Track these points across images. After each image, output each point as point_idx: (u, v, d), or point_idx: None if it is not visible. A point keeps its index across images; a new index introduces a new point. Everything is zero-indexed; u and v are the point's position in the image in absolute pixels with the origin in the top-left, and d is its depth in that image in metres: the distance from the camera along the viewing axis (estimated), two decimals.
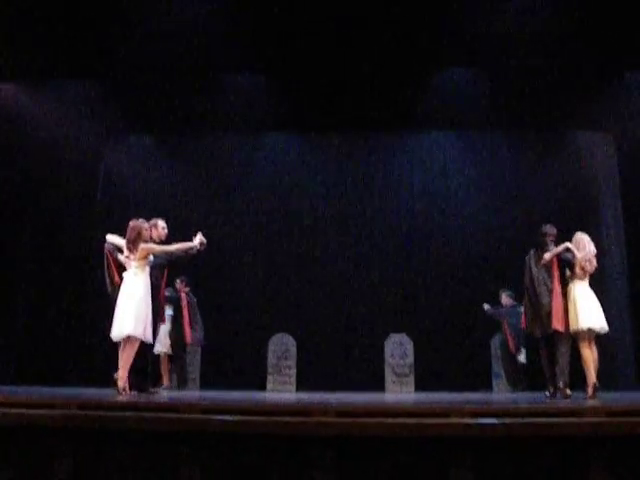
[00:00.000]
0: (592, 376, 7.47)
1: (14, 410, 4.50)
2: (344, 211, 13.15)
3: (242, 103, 11.95)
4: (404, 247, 13.18)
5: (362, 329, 12.51)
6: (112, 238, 8.11)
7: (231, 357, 12.51)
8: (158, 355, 10.21)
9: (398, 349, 11.66)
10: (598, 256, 8.22)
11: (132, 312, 7.07)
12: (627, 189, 11.92)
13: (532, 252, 8.36)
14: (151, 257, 7.68)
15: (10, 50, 10.26)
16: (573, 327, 7.62)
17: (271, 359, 11.64)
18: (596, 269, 8.23)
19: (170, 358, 10.85)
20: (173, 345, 10.82)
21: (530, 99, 11.39)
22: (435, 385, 11.25)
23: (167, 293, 10.29)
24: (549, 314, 7.62)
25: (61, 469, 4.23)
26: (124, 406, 4.73)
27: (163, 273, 8.45)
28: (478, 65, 11.34)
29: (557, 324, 7.55)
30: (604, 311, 8.07)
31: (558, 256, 8.03)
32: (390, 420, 4.22)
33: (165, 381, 10.61)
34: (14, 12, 9.82)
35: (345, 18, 9.94)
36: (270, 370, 11.57)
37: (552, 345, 7.74)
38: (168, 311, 10.21)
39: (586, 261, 8.02)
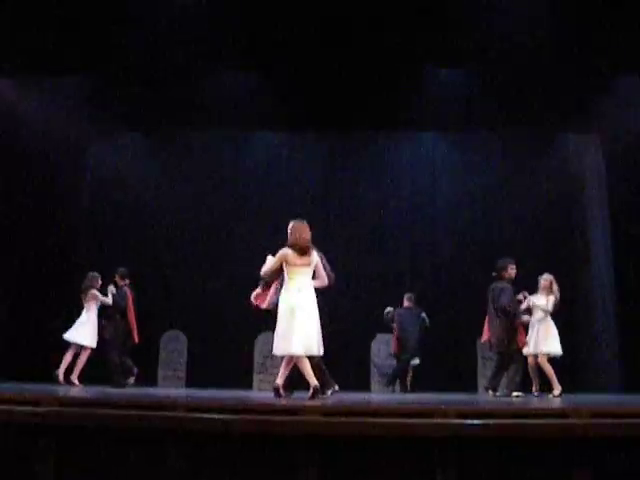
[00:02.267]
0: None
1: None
2: (332, 210, 13.15)
3: (231, 100, 11.91)
4: (391, 246, 13.19)
5: (349, 328, 12.49)
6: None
7: (217, 356, 12.49)
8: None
9: (384, 349, 11.68)
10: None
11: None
12: (614, 190, 11.98)
13: (495, 286, 9.19)
14: None
15: None
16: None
17: (257, 358, 11.63)
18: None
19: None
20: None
21: (519, 101, 11.41)
22: (420, 385, 11.27)
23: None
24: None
25: (45, 466, 4.20)
26: (107, 403, 4.71)
27: None
28: (467, 66, 11.36)
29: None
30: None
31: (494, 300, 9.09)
32: (375, 420, 4.22)
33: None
34: (2, 8, 9.76)
35: (335, 17, 9.92)
36: (257, 369, 11.56)
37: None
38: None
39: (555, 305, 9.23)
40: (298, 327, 6.42)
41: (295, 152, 13.78)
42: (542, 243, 12.78)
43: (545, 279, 9.30)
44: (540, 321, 9.15)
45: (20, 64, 10.75)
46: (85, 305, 10.12)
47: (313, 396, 6.33)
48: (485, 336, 9.34)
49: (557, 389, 8.98)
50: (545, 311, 9.17)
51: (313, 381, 6.42)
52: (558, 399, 8.36)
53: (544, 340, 9.08)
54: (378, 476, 4.04)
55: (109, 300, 10.13)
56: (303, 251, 6.55)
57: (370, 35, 10.13)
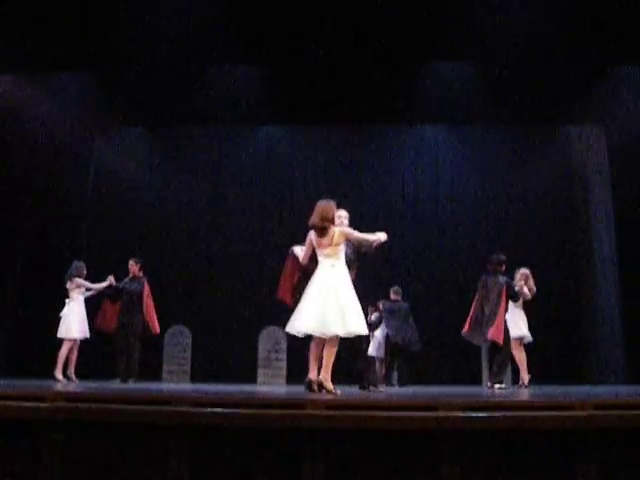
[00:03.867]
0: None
1: (3, 403, 4.49)
2: (336, 204, 13.14)
3: (234, 95, 11.93)
4: (394, 239, 13.18)
5: None
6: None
7: (222, 350, 12.52)
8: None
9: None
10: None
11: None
12: (617, 182, 11.96)
13: (484, 276, 9.24)
14: None
15: (0, 42, 10.21)
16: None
17: (262, 352, 11.65)
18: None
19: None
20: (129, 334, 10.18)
21: (521, 93, 11.41)
22: (423, 378, 11.28)
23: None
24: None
25: (50, 462, 4.22)
26: (113, 399, 4.73)
27: None
28: (469, 59, 11.36)
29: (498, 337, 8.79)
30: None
31: (508, 288, 9.02)
32: (379, 413, 4.23)
33: None
34: (3, 4, 9.77)
35: (337, 11, 9.92)
36: (261, 363, 11.58)
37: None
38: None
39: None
40: (313, 307, 6.21)
41: (297, 147, 13.79)
42: (545, 236, 12.78)
43: (522, 273, 9.38)
44: (511, 311, 9.19)
45: (23, 61, 10.78)
46: (70, 294, 9.78)
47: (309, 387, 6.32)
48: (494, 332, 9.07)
49: (526, 378, 9.14)
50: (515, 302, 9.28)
51: (312, 372, 6.35)
52: (526, 390, 8.53)
53: (514, 325, 9.12)
54: (382, 469, 4.05)
55: (98, 286, 10.01)
56: (321, 231, 6.38)
57: (373, 29, 10.12)
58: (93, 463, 4.23)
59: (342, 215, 7.01)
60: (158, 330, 10.37)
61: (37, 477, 4.22)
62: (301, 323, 6.27)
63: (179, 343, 11.90)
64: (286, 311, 12.05)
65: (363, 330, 6.35)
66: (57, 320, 9.74)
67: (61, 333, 9.60)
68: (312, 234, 6.44)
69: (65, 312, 9.73)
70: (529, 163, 13.00)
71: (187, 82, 11.71)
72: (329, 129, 13.41)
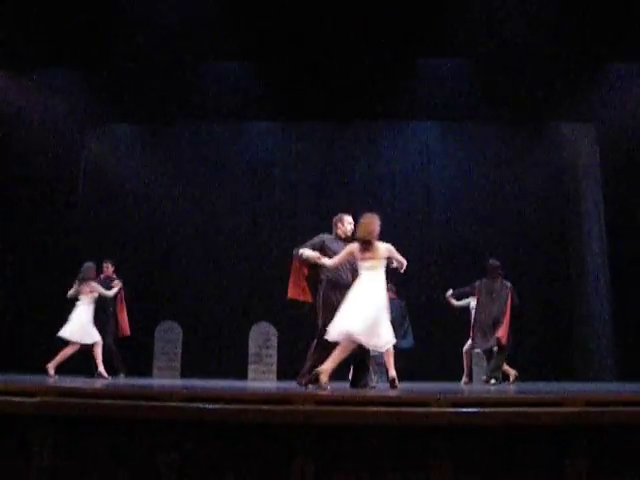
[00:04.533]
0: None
1: None
2: (328, 200, 13.13)
3: (224, 91, 11.91)
4: (386, 236, 13.17)
5: None
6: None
7: (212, 346, 12.51)
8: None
9: None
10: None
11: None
12: (608, 179, 11.99)
13: (484, 281, 9.53)
14: None
15: None
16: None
17: (252, 348, 11.63)
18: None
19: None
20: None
21: (512, 90, 11.43)
22: (415, 375, 11.29)
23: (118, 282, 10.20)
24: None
25: (40, 457, 4.21)
26: (103, 394, 4.72)
27: None
28: (461, 55, 11.36)
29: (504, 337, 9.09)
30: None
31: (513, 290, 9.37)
32: (370, 408, 4.23)
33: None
34: None
35: (329, 6, 9.91)
36: (251, 359, 11.56)
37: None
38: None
39: None
40: (350, 312, 6.36)
41: (289, 144, 13.75)
42: (536, 233, 12.81)
43: None
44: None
45: (13, 57, 10.73)
46: (81, 297, 9.68)
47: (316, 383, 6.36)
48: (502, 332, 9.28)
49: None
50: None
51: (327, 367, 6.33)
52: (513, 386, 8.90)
53: None
54: (372, 465, 4.05)
55: (111, 293, 10.02)
56: (366, 245, 6.55)
57: (365, 26, 10.12)
58: (83, 459, 4.21)
59: (349, 220, 7.24)
60: (128, 332, 10.50)
61: (27, 473, 4.20)
62: (343, 326, 6.35)
63: (169, 339, 11.87)
64: (277, 306, 12.13)
65: (383, 348, 6.66)
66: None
67: (74, 336, 9.50)
68: (355, 246, 6.61)
69: (77, 315, 9.62)
70: (520, 160, 13.00)
71: (179, 79, 11.67)
72: (321, 125, 13.38)
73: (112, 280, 10.32)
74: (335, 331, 6.34)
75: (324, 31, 10.23)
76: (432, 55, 11.41)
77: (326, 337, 6.43)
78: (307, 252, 6.94)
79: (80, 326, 9.53)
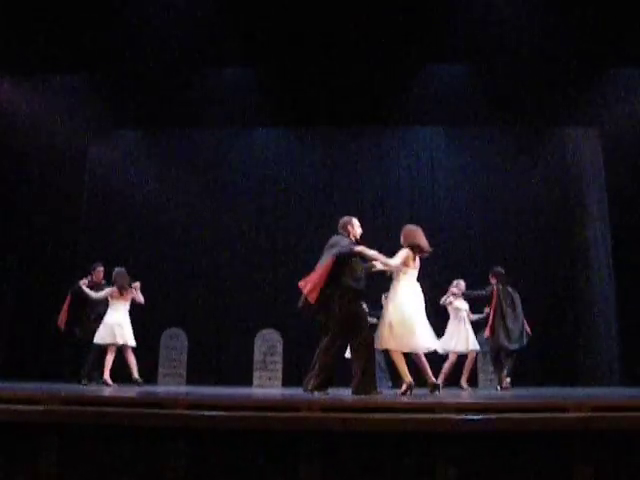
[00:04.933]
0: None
1: None
2: (331, 205, 13.13)
3: (228, 96, 11.96)
4: (391, 242, 13.16)
5: None
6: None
7: (217, 353, 12.51)
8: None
9: None
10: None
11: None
12: (613, 183, 11.99)
13: (500, 287, 9.76)
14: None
15: None
16: None
17: (257, 355, 11.62)
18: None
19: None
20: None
21: (517, 95, 11.44)
22: (421, 381, 11.25)
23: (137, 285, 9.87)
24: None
25: (45, 464, 4.21)
26: (108, 402, 4.72)
27: None
28: (465, 61, 11.39)
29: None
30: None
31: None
32: (375, 415, 4.22)
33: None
34: None
35: (333, 13, 9.92)
36: (256, 366, 11.55)
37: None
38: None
39: None
40: (419, 324, 6.75)
41: (293, 149, 13.75)
42: (540, 236, 12.78)
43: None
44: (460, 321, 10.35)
45: (18, 62, 10.77)
46: (123, 301, 9.65)
47: (405, 392, 6.65)
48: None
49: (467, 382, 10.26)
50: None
51: (408, 378, 6.75)
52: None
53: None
54: (378, 472, 4.05)
55: (142, 298, 9.99)
56: (420, 253, 7.00)
57: (369, 31, 10.14)
58: (88, 466, 4.22)
59: (357, 223, 7.35)
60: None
61: None
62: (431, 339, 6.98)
63: (175, 346, 11.86)
64: (282, 314, 12.12)
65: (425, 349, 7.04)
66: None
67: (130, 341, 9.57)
68: (410, 252, 6.98)
69: (114, 318, 9.59)
70: (524, 164, 12.99)
71: (182, 84, 11.71)
72: (325, 131, 13.39)
73: (101, 286, 10.20)
74: (422, 344, 6.82)
75: (328, 36, 10.25)
76: (436, 60, 11.44)
77: (399, 349, 6.82)
78: (368, 250, 7.02)
79: (117, 326, 9.52)
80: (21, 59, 10.63)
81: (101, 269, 10.39)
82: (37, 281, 11.78)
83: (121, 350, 9.60)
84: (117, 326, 9.54)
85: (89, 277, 10.21)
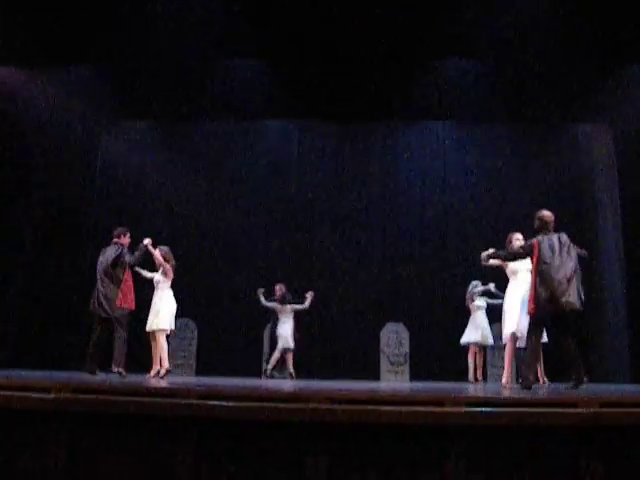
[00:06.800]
0: None
1: (10, 394, 4.50)
2: (342, 199, 13.14)
3: (240, 89, 11.96)
4: (401, 236, 13.16)
5: (358, 317, 12.52)
6: None
7: (227, 344, 12.53)
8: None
9: (394, 338, 11.67)
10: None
11: None
12: (624, 180, 11.93)
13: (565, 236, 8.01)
14: None
15: (6, 34, 10.21)
16: None
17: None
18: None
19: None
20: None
21: (528, 91, 11.40)
22: (430, 374, 11.28)
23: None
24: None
25: (57, 452, 4.23)
26: (120, 390, 4.74)
27: None
28: (477, 56, 11.35)
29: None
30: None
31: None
32: (384, 408, 4.23)
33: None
34: None
35: (348, 5, 9.91)
36: (266, 357, 11.59)
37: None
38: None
39: None
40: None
41: (306, 142, 13.74)
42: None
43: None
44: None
45: (29, 53, 10.78)
46: (162, 282, 9.48)
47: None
48: None
49: (474, 377, 10.35)
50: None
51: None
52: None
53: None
54: (386, 464, 4.05)
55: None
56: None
57: (383, 26, 10.12)
58: (98, 455, 4.24)
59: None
60: None
61: (43, 468, 4.23)
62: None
63: (185, 337, 11.91)
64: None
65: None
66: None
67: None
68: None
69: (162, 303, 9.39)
70: (536, 161, 12.92)
71: (195, 75, 11.71)
72: (336, 125, 13.37)
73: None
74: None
75: (342, 29, 10.23)
76: (449, 56, 11.42)
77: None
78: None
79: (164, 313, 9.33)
80: (36, 51, 10.64)
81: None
82: (50, 270, 11.80)
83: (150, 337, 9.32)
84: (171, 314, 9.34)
85: (116, 245, 9.66)
